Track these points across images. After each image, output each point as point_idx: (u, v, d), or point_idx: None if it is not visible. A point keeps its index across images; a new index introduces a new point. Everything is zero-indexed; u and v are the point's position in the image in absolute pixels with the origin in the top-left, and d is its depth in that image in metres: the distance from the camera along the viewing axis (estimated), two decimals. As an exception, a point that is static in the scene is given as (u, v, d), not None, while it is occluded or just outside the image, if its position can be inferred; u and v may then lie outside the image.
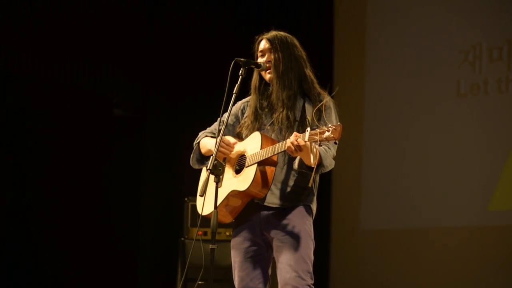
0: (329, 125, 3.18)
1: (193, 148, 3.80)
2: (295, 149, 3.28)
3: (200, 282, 6.01)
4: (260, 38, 3.74)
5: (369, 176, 7.79)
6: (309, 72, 3.69)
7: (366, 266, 7.67)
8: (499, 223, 7.00)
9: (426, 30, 7.58)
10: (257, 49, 3.73)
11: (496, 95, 7.17)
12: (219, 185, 3.60)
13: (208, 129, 3.82)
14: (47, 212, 7.17)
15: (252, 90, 3.75)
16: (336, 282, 7.83)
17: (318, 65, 3.79)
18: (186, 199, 6.42)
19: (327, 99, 3.59)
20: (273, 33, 3.73)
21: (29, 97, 7.20)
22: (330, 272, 7.84)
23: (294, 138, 3.28)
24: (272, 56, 3.66)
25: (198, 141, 3.78)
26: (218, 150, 3.49)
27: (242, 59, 3.62)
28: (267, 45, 3.68)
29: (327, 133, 3.16)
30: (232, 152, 3.64)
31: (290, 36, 3.74)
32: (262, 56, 3.70)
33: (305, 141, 3.24)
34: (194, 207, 6.31)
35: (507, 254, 6.92)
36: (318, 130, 3.20)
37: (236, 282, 3.66)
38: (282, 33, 3.74)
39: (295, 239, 3.51)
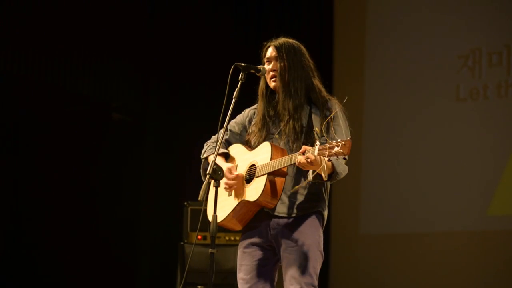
0: (339, 140, 3.16)
1: (196, 156, 3.80)
2: (306, 164, 3.27)
3: (199, 287, 6.02)
4: (268, 45, 3.70)
5: (368, 180, 7.78)
6: (316, 81, 3.66)
7: (365, 271, 7.66)
8: (498, 228, 6.99)
9: (426, 35, 7.58)
10: (264, 55, 3.70)
11: (496, 99, 7.18)
12: (229, 194, 3.60)
13: (213, 138, 3.80)
14: (44, 216, 7.17)
15: (259, 97, 3.72)
16: (335, 286, 7.83)
17: (317, 70, 3.77)
18: (185, 203, 6.42)
19: (335, 109, 3.56)
20: (281, 40, 3.68)
21: (28, 101, 7.20)
22: (329, 277, 7.83)
23: (303, 154, 3.27)
24: (278, 65, 3.62)
25: (204, 156, 3.76)
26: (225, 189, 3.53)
27: (242, 64, 3.60)
28: (273, 53, 3.65)
29: (336, 148, 3.15)
30: (242, 159, 3.64)
31: (299, 44, 3.69)
32: (268, 63, 3.66)
33: (315, 156, 3.22)
34: (193, 211, 6.31)
35: (507, 259, 6.92)
36: (327, 145, 3.18)
37: (239, 285, 3.65)
38: (290, 40, 3.70)
39: (303, 252, 3.49)
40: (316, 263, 3.52)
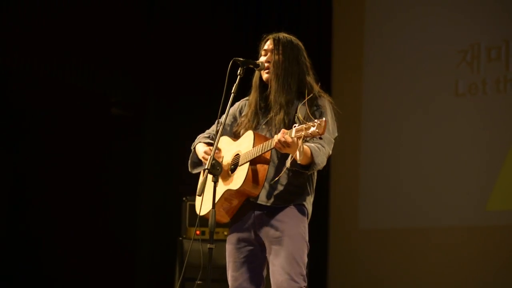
0: (315, 121, 3.18)
1: (190, 150, 3.81)
2: (282, 145, 3.28)
3: (198, 282, 6.02)
4: (266, 37, 3.73)
5: (367, 175, 7.79)
6: (310, 79, 3.66)
7: (364, 266, 7.67)
8: (497, 223, 7.00)
9: (424, 30, 7.58)
10: (262, 47, 3.73)
11: (494, 94, 7.18)
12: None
13: (206, 132, 3.83)
14: (45, 211, 7.17)
15: (253, 88, 3.74)
16: (334, 281, 7.83)
17: (316, 66, 3.77)
18: (184, 198, 6.42)
19: (324, 105, 3.58)
20: (280, 34, 3.71)
21: (27, 96, 7.19)
22: (328, 271, 7.84)
23: (281, 135, 3.29)
24: (273, 57, 3.65)
25: (193, 146, 3.79)
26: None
27: (241, 59, 3.63)
28: (271, 46, 3.67)
29: (312, 128, 3.17)
30: (228, 149, 3.65)
31: (297, 40, 3.72)
32: (265, 55, 3.69)
33: (292, 137, 3.24)
34: (192, 206, 6.31)
35: (505, 254, 6.93)
36: (304, 126, 3.20)
37: (229, 282, 3.66)
38: (290, 36, 3.72)
39: (288, 241, 3.49)
40: (302, 253, 3.52)
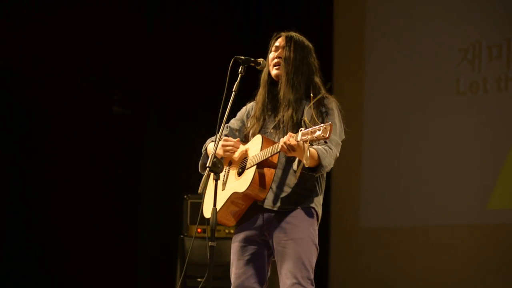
0: (321, 125, 3.19)
1: (196, 149, 3.82)
2: (287, 149, 3.29)
3: (199, 280, 6.04)
4: (278, 34, 3.74)
5: (369, 174, 7.80)
6: (317, 80, 3.69)
7: (365, 264, 7.68)
8: (498, 221, 7.01)
9: (425, 29, 7.59)
10: (273, 44, 3.73)
11: (495, 93, 7.18)
12: (223, 187, 3.61)
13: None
14: (47, 210, 7.18)
15: (261, 85, 3.75)
16: (335, 279, 7.84)
17: (320, 70, 3.79)
18: (185, 196, 6.43)
19: (332, 106, 3.59)
20: (292, 33, 3.73)
21: (28, 95, 7.19)
22: (329, 270, 7.85)
23: (287, 138, 3.29)
24: (284, 54, 3.65)
25: (205, 148, 3.78)
26: (224, 152, 3.55)
27: (242, 57, 3.64)
28: (283, 42, 3.68)
29: (318, 132, 3.17)
30: (236, 153, 3.65)
31: (308, 42, 3.74)
32: (276, 51, 3.69)
33: (297, 141, 3.24)
34: (193, 204, 6.33)
35: (507, 252, 6.93)
36: (309, 130, 3.20)
37: (232, 279, 3.66)
38: (301, 36, 3.74)
39: (297, 245, 3.49)
40: (311, 257, 3.52)
